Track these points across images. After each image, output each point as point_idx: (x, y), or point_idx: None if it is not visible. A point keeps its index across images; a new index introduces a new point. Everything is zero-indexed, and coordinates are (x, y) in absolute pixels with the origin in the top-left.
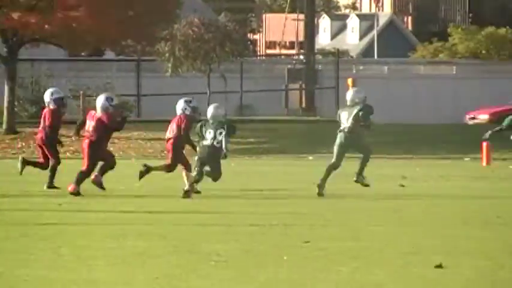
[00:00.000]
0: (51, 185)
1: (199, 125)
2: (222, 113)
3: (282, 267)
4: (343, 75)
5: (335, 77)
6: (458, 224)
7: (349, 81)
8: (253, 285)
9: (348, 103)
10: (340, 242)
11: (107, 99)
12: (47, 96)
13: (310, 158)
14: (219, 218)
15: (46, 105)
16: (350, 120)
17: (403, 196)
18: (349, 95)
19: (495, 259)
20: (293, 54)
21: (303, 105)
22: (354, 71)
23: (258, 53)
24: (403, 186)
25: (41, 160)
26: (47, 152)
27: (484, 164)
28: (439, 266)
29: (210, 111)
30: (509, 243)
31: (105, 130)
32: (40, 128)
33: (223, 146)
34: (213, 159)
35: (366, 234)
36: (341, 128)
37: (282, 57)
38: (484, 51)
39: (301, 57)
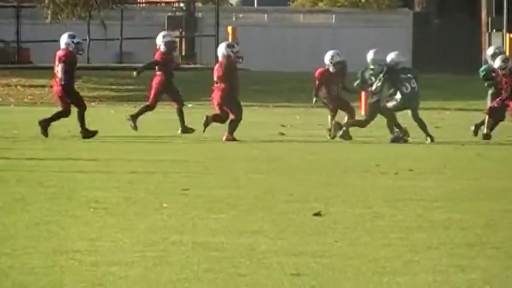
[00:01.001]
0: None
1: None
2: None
3: (161, 215)
4: (223, 23)
5: (215, 25)
6: (338, 172)
7: (229, 29)
8: (133, 233)
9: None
10: (220, 190)
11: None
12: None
13: (190, 105)
14: (99, 165)
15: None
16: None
17: (283, 144)
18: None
19: (373, 207)
20: (173, 2)
21: (183, 52)
22: (234, 19)
23: (138, 0)
24: (282, 134)
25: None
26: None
27: (362, 112)
28: (318, 214)
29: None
30: (388, 191)
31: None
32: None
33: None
34: None
35: (245, 183)
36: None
37: (163, 4)
38: (363, 1)
39: (181, 4)
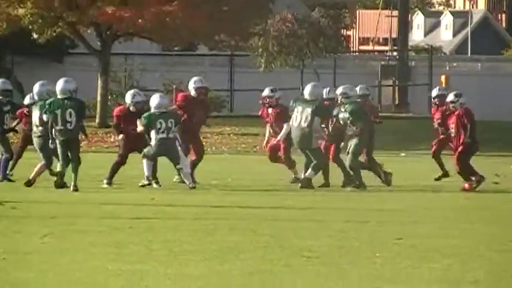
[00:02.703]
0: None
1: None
2: None
3: (374, 264)
4: (436, 72)
5: (428, 74)
6: None
7: (443, 78)
8: (346, 282)
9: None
10: (432, 239)
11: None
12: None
13: (403, 154)
14: (311, 214)
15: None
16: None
17: (496, 194)
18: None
19: None
20: (386, 51)
21: (396, 101)
22: (447, 68)
23: (351, 49)
24: (496, 183)
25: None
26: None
27: None
28: None
29: None
30: None
31: None
32: None
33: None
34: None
35: (457, 232)
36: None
37: (375, 53)
38: None
39: (395, 53)
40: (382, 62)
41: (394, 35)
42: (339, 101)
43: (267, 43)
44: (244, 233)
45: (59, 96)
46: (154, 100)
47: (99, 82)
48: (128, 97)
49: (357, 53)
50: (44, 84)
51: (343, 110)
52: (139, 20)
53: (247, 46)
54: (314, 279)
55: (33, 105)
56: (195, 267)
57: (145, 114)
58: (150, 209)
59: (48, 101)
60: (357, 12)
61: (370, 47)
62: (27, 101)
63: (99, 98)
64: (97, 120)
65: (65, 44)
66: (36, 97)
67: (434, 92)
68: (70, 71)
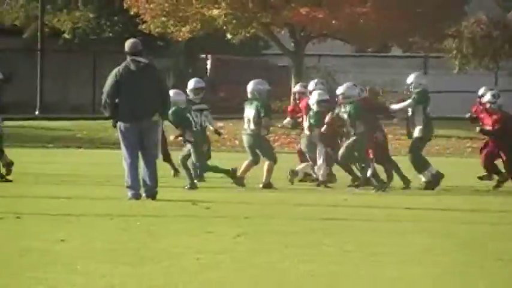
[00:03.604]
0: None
1: None
2: None
3: None
4: None
5: None
6: None
7: None
8: None
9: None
10: None
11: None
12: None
13: None
14: (506, 217)
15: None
16: None
17: None
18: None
19: None
20: None
21: None
22: None
23: None
24: None
25: None
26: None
27: None
28: None
29: None
30: None
31: None
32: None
33: None
34: None
35: None
36: None
37: None
38: None
39: None
40: None
41: None
42: (339, 101)
43: (461, 45)
44: (436, 235)
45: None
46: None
47: (292, 83)
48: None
49: None
50: (259, 83)
51: (343, 110)
52: (333, 22)
53: (442, 48)
54: (510, 284)
55: (246, 103)
56: (388, 269)
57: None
58: (344, 210)
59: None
60: None
61: None
62: None
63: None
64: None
65: (259, 44)
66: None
67: None
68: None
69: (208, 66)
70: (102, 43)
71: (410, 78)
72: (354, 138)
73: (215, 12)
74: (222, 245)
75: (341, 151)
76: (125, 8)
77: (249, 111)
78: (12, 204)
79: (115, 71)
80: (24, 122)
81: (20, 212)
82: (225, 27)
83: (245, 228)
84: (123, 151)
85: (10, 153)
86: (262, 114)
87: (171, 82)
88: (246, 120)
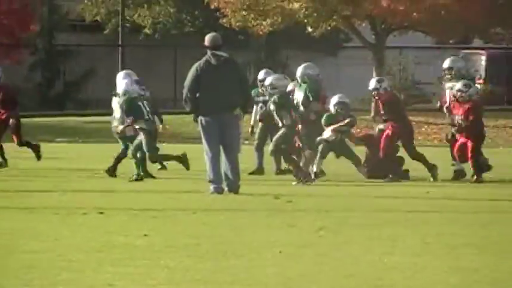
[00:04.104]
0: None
1: None
2: None
3: None
4: None
5: None
6: None
7: None
8: None
9: None
10: None
11: None
12: None
13: None
14: None
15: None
16: None
17: None
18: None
19: None
20: None
21: None
22: None
23: None
24: None
25: None
26: None
27: None
28: None
29: None
30: None
31: None
32: None
33: None
34: None
35: None
36: None
37: None
38: None
39: None
40: None
41: None
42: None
43: None
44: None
45: None
46: None
47: (374, 76)
48: None
49: None
50: (309, 67)
51: (271, 100)
52: (414, 14)
53: None
54: None
55: (296, 86)
56: (470, 261)
57: None
58: (426, 202)
59: None
60: None
61: None
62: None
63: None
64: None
65: (340, 37)
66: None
67: None
68: (344, 65)
69: None
70: (182, 38)
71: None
72: (283, 130)
73: (296, 5)
74: (305, 239)
75: (270, 146)
76: (205, 2)
77: (299, 94)
78: (95, 200)
79: (196, 65)
80: (105, 118)
81: (103, 207)
82: (305, 21)
83: (327, 222)
84: (205, 145)
85: (94, 148)
86: (310, 98)
87: (251, 76)
88: (295, 102)
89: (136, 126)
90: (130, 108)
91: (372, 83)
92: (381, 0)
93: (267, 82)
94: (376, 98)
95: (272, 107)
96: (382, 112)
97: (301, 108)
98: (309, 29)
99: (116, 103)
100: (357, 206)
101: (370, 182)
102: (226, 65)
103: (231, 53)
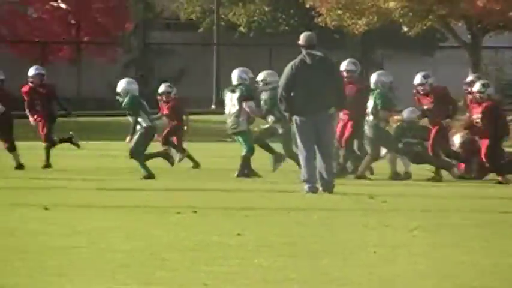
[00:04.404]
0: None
1: None
2: None
3: None
4: None
5: None
6: None
7: None
8: None
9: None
10: None
11: None
12: None
13: None
14: None
15: None
16: None
17: None
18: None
19: None
20: None
21: None
22: None
23: None
24: None
25: None
26: None
27: None
28: None
29: None
30: None
31: None
32: None
33: None
34: None
35: None
36: None
37: None
38: None
39: None
40: None
41: None
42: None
43: None
44: None
45: None
46: None
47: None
48: None
49: None
50: (383, 74)
51: (262, 97)
52: (510, 13)
53: None
54: None
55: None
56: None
57: None
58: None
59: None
60: None
61: None
62: None
63: None
64: None
65: (436, 37)
66: None
67: None
68: (440, 64)
69: None
70: (277, 37)
71: None
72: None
73: (391, 4)
74: (399, 239)
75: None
76: (300, 1)
77: (369, 101)
78: (189, 199)
79: (291, 64)
80: (201, 117)
81: (197, 207)
82: (401, 20)
83: (421, 222)
84: (299, 145)
85: (189, 147)
86: (379, 106)
87: None
88: (367, 110)
89: (139, 126)
90: (133, 106)
91: (418, 78)
92: (477, 0)
93: (260, 77)
94: (422, 93)
95: (263, 104)
96: (425, 108)
97: (370, 116)
98: (405, 29)
99: (228, 99)
100: (452, 206)
101: (467, 183)
102: (321, 64)
103: (326, 52)
